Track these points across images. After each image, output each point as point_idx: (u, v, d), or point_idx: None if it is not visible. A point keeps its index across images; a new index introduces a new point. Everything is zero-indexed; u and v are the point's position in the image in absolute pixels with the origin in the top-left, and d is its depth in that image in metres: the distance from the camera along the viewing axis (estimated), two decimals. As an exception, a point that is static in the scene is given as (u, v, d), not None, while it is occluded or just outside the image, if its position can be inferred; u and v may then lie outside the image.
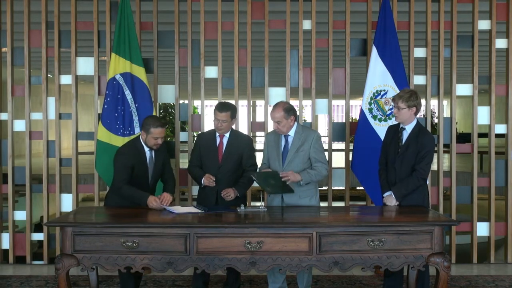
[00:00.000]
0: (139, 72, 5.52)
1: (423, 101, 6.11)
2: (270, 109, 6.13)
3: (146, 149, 4.62)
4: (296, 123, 4.62)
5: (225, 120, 4.64)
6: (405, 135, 4.45)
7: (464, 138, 12.73)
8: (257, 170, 4.75)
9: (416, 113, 4.43)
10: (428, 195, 4.52)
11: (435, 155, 5.99)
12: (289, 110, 4.52)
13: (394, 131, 4.55)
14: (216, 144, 4.73)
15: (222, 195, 4.62)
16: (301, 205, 4.56)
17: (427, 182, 4.59)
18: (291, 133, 4.60)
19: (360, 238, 3.87)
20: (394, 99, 4.45)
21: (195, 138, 4.96)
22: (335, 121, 6.16)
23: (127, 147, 4.66)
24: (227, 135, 4.74)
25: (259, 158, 4.92)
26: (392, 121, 5.48)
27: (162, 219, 4.15)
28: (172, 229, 3.88)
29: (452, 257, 5.90)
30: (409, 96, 4.38)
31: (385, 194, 4.51)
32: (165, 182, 4.80)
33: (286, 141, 4.62)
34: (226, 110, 4.64)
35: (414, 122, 4.45)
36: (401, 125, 4.48)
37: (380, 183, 4.60)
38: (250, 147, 4.82)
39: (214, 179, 4.62)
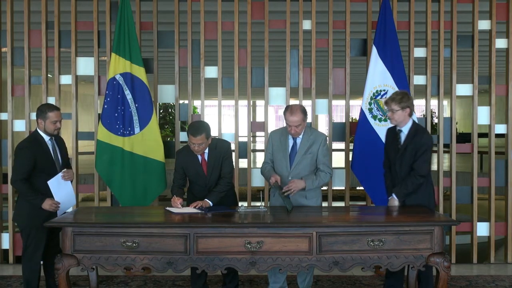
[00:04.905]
0: (139, 72, 5.52)
1: (423, 101, 6.15)
2: (270, 109, 6.17)
3: (47, 138, 4.50)
4: None
5: (202, 142, 4.43)
6: (403, 136, 4.47)
7: (464, 138, 12.75)
8: (261, 169, 4.71)
9: (410, 114, 4.44)
10: (433, 195, 4.52)
11: (435, 155, 6.01)
12: (305, 112, 4.51)
13: (393, 133, 4.57)
14: (199, 161, 4.58)
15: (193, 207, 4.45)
16: (307, 205, 4.55)
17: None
18: (300, 134, 4.58)
19: (360, 238, 3.87)
20: (386, 102, 4.46)
21: (175, 156, 4.75)
22: (335, 121, 6.16)
23: (27, 141, 4.52)
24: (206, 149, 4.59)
25: (259, 158, 4.89)
26: (392, 121, 5.49)
27: (162, 219, 4.17)
28: (172, 229, 3.89)
29: (452, 257, 5.90)
30: (401, 97, 4.41)
31: (389, 198, 4.52)
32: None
33: (295, 142, 4.59)
34: (200, 133, 4.40)
35: (410, 123, 4.46)
36: (397, 127, 4.50)
37: (385, 186, 4.62)
38: (229, 155, 4.66)
39: (181, 201, 4.47)
